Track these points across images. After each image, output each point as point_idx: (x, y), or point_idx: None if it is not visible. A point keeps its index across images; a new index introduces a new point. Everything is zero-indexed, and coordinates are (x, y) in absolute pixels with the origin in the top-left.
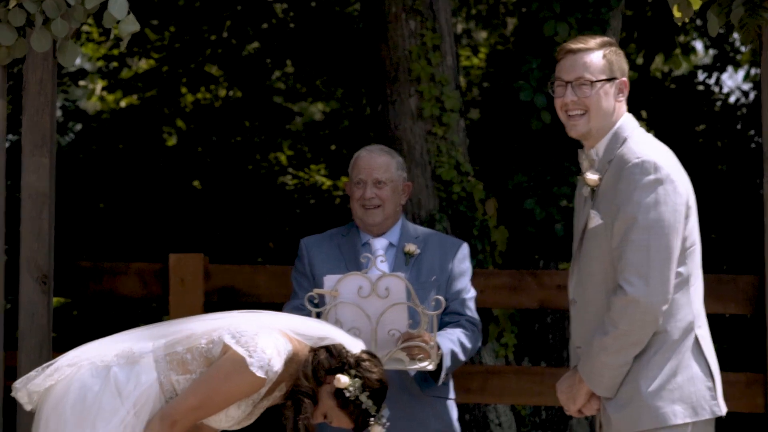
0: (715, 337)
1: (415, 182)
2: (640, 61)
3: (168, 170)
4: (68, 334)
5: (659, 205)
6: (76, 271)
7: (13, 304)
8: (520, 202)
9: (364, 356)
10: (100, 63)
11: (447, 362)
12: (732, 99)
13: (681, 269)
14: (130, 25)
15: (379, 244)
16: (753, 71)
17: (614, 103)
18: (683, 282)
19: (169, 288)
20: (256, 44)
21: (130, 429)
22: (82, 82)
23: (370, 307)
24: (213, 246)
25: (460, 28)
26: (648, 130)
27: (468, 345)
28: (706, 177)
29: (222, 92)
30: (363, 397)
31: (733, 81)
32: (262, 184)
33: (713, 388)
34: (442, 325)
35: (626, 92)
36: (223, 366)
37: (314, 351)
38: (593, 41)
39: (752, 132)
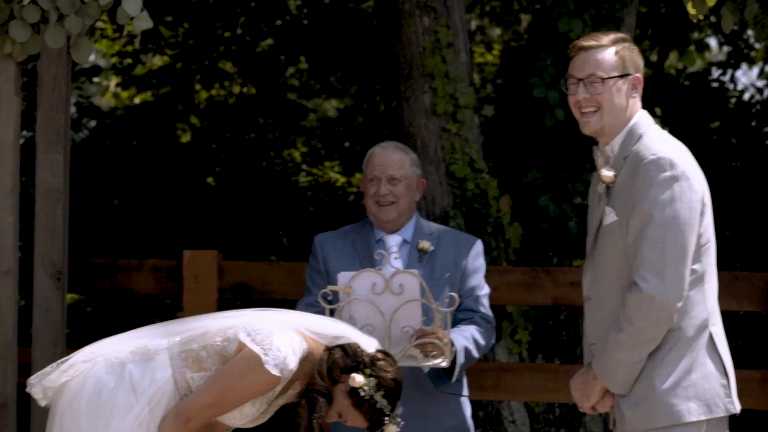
0: (729, 335)
1: (429, 179)
2: (654, 58)
3: (182, 167)
4: (82, 331)
5: (675, 202)
6: (90, 267)
7: (28, 300)
8: (534, 199)
9: (379, 355)
10: (114, 59)
11: (461, 359)
12: (746, 96)
13: (696, 266)
14: (144, 22)
15: (393, 240)
16: (767, 68)
17: (628, 99)
18: (698, 279)
19: (183, 284)
20: (269, 41)
21: (145, 426)
22: (96, 79)
23: (383, 303)
24: (227, 242)
25: (474, 24)
26: (662, 127)
27: (482, 342)
28: (720, 174)
29: (236, 89)
30: (378, 397)
31: (747, 78)
32: (276, 181)
33: (727, 386)
34: (455, 322)
35: (640, 88)
36: (239, 363)
37: (329, 350)
38: (606, 38)
39: (766, 129)
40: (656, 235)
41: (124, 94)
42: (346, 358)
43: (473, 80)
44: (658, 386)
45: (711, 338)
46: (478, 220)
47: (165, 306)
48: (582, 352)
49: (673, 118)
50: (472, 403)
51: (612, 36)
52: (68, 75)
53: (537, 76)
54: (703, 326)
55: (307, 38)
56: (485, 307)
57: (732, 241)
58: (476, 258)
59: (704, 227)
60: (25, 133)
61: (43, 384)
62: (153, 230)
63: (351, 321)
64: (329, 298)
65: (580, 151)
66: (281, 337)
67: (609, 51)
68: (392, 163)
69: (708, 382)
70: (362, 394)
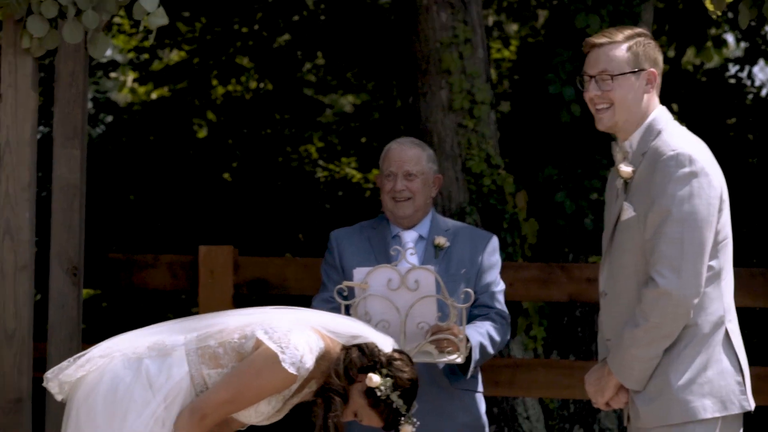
0: (744, 331)
1: (446, 175)
2: (671, 54)
3: (198, 162)
4: (97, 326)
5: (693, 197)
6: (106, 263)
7: (43, 295)
8: (551, 195)
9: (396, 355)
10: (131, 55)
11: (476, 355)
12: (763, 92)
13: (713, 263)
14: (159, 18)
15: (409, 236)
16: None
17: (642, 95)
18: (715, 276)
19: (199, 280)
20: (287, 36)
21: (161, 422)
22: (113, 74)
23: (399, 299)
24: (243, 238)
25: (491, 20)
26: (679, 124)
27: (497, 338)
28: (737, 170)
29: (253, 84)
30: (394, 397)
31: (764, 74)
32: (292, 177)
33: (743, 383)
34: (471, 318)
35: (655, 83)
36: (255, 361)
37: (346, 349)
38: (620, 34)
39: None
40: (674, 231)
41: (141, 90)
42: (363, 357)
43: (490, 76)
44: (673, 383)
45: (727, 335)
46: (494, 216)
47: (180, 301)
48: (597, 349)
49: (690, 115)
50: (487, 399)
51: (627, 31)
52: (86, 70)
53: (553, 72)
54: (719, 323)
55: (324, 34)
56: (500, 303)
57: (748, 238)
58: (492, 254)
59: (722, 224)
60: (42, 128)
61: (59, 378)
62: (169, 226)
63: (366, 317)
64: (345, 293)
65: (597, 147)
66: (298, 335)
67: (621, 47)
68: (409, 158)
69: (723, 378)
70: (379, 394)
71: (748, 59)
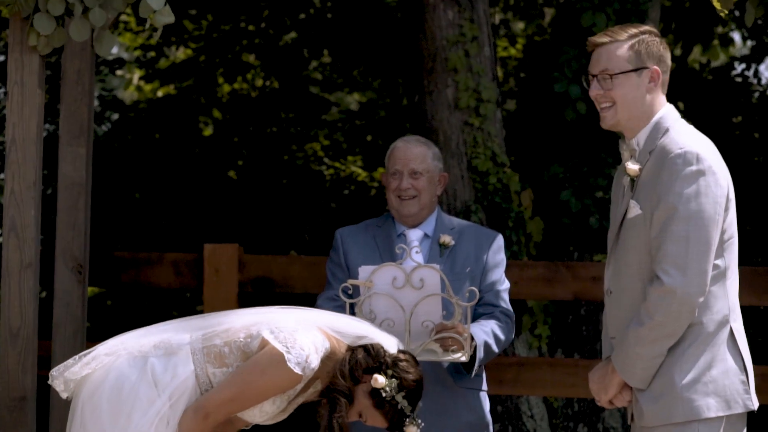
0: (749, 330)
1: (451, 173)
2: (678, 52)
3: (204, 160)
4: (102, 324)
5: (700, 196)
6: (111, 261)
7: (48, 293)
8: (556, 194)
9: (402, 356)
10: (137, 53)
11: (480, 354)
12: None
13: (718, 261)
14: (166, 17)
15: (414, 235)
16: None
17: (645, 93)
18: (720, 275)
19: (204, 278)
20: (293, 34)
21: (165, 420)
22: (119, 72)
23: (404, 298)
24: (248, 236)
25: (497, 18)
26: (686, 122)
27: (501, 337)
28: (743, 169)
29: (259, 82)
30: (399, 398)
31: None
32: (297, 175)
33: (746, 382)
34: (475, 317)
35: (659, 81)
36: (261, 360)
37: (352, 350)
38: (623, 32)
39: None
40: (680, 229)
41: (147, 88)
42: (369, 358)
43: (496, 74)
44: (677, 381)
45: (731, 334)
46: (499, 215)
47: (185, 300)
48: (601, 347)
49: (696, 113)
50: (491, 397)
51: (632, 30)
52: (92, 68)
53: (559, 70)
54: (724, 322)
55: (331, 32)
56: (505, 301)
57: (753, 236)
58: (497, 253)
59: (728, 223)
60: (47, 126)
61: (65, 376)
62: (174, 224)
63: (371, 315)
64: (350, 292)
65: (603, 146)
66: (304, 335)
67: (623, 45)
68: (414, 157)
69: (728, 377)
70: (384, 395)
71: (754, 57)
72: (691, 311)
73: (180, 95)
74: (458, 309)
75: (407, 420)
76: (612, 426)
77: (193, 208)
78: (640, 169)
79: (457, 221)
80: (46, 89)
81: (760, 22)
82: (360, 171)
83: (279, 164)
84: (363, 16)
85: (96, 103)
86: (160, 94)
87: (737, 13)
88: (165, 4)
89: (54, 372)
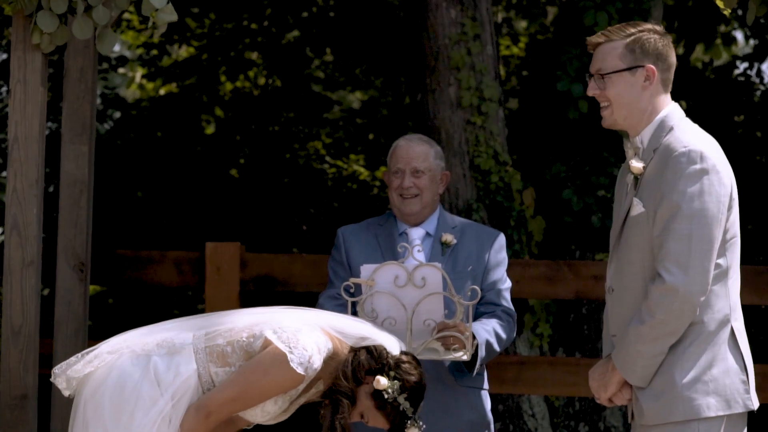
0: (751, 329)
1: (453, 172)
2: (680, 51)
3: (206, 158)
4: (104, 322)
5: (704, 195)
6: (113, 259)
7: (50, 291)
8: (558, 192)
9: (404, 358)
10: (140, 51)
11: (482, 353)
12: None
13: (720, 261)
14: (168, 15)
15: (416, 233)
16: None
17: (641, 91)
18: (722, 274)
19: (206, 276)
20: (295, 32)
21: (168, 419)
22: (121, 70)
23: (406, 296)
24: (250, 235)
25: (500, 17)
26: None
27: (503, 336)
28: (745, 168)
29: (261, 81)
30: (401, 399)
31: None
32: (299, 173)
33: (747, 382)
34: (477, 316)
35: (655, 79)
36: (263, 360)
37: (354, 351)
38: (620, 31)
39: None
40: (683, 228)
41: (150, 86)
42: (371, 360)
43: (499, 73)
44: (678, 380)
45: (732, 333)
46: (501, 213)
47: (187, 298)
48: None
49: (698, 112)
50: (492, 396)
51: (630, 29)
52: (94, 66)
53: (562, 69)
54: (725, 321)
55: (333, 30)
56: (507, 300)
57: (755, 235)
58: (499, 251)
59: (731, 222)
60: (49, 124)
61: (67, 374)
62: (176, 222)
63: (373, 314)
64: (351, 290)
65: (605, 145)
66: (307, 335)
67: (618, 45)
68: (416, 155)
69: (728, 377)
70: (386, 396)
71: (757, 56)
72: (693, 310)
73: (182, 93)
74: (460, 308)
75: (409, 421)
76: (613, 425)
77: (195, 207)
78: (644, 167)
79: (458, 220)
80: (48, 87)
81: (762, 21)
82: (362, 169)
83: (281, 162)
84: (365, 14)
85: (98, 101)
86: (162, 92)
87: (740, 12)
88: (167, 2)
89: (56, 370)
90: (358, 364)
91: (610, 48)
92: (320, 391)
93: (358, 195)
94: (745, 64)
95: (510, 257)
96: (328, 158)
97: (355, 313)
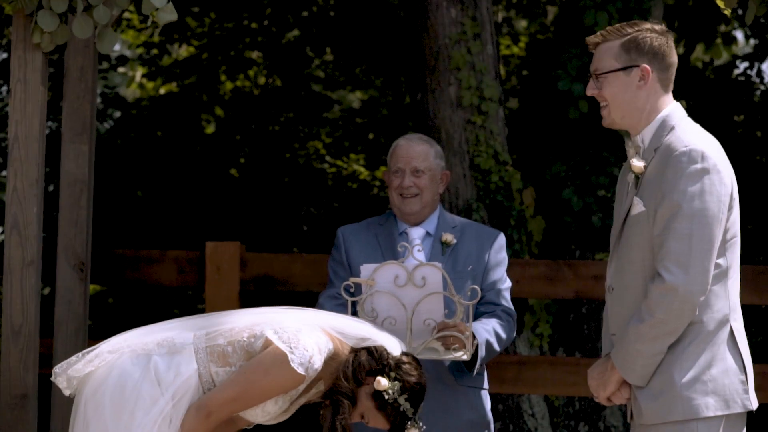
0: (751, 329)
1: (453, 171)
2: (680, 50)
3: (206, 158)
4: (104, 322)
5: (704, 194)
6: (113, 258)
7: (50, 290)
8: (558, 192)
9: (405, 359)
10: (140, 50)
11: (482, 352)
12: None
13: (720, 261)
14: (168, 14)
15: (416, 233)
16: None
17: (636, 91)
18: (722, 274)
19: (206, 276)
20: (296, 32)
21: (168, 419)
22: (121, 69)
23: (406, 296)
24: (250, 234)
25: (500, 16)
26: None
27: (503, 335)
28: (744, 168)
29: (261, 80)
30: (401, 400)
31: None
32: (299, 173)
33: (746, 382)
34: (477, 315)
35: (648, 78)
36: (264, 360)
37: (355, 352)
38: (616, 31)
39: None
40: (683, 227)
41: (150, 85)
42: (372, 360)
43: (499, 72)
44: (677, 380)
45: (732, 333)
46: (501, 213)
47: (187, 297)
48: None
49: (698, 111)
50: (492, 396)
51: (627, 28)
52: (95, 66)
53: (562, 68)
54: (724, 321)
55: (334, 30)
56: (507, 300)
57: (755, 235)
58: (499, 251)
59: (731, 222)
60: (49, 123)
61: (68, 374)
62: (176, 221)
63: (373, 313)
64: (351, 290)
65: (605, 144)
66: (308, 335)
67: (613, 44)
68: (416, 155)
69: (728, 377)
70: (386, 397)
71: (757, 56)
72: (692, 309)
73: (182, 93)
74: (460, 307)
75: (409, 422)
76: (613, 425)
77: (195, 206)
78: (645, 167)
79: (459, 219)
80: (48, 86)
81: (762, 20)
82: (362, 169)
83: (281, 162)
84: (366, 14)
85: (98, 100)
86: (162, 91)
87: (740, 12)
88: (168, 2)
89: (57, 369)
90: (359, 365)
91: (606, 48)
92: (321, 392)
93: (358, 195)
94: (745, 64)
95: (510, 257)
96: (328, 158)
97: (355, 313)
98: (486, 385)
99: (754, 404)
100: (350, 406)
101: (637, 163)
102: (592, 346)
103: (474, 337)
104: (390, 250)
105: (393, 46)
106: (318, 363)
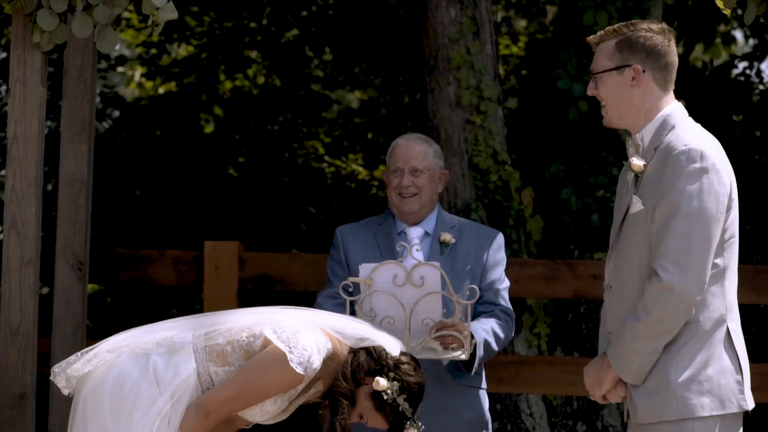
0: (751, 328)
1: (452, 171)
2: (680, 50)
3: (205, 157)
4: (102, 321)
5: (703, 194)
6: (111, 258)
7: (48, 290)
8: (557, 192)
9: (404, 359)
10: (139, 49)
11: (480, 352)
12: None
13: (718, 260)
14: (168, 13)
15: (415, 232)
16: None
17: (630, 91)
18: (719, 274)
19: (204, 275)
20: (295, 31)
21: (167, 419)
22: (120, 69)
23: (404, 295)
24: (248, 234)
25: (499, 16)
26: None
27: (501, 335)
28: (743, 167)
29: (260, 79)
30: (400, 400)
31: None
32: (298, 173)
33: (742, 382)
34: (475, 315)
35: (640, 78)
36: (263, 360)
37: (354, 352)
38: (613, 31)
39: None
40: (681, 226)
41: (149, 84)
42: (371, 361)
43: (498, 72)
44: (673, 379)
45: (728, 333)
46: (499, 213)
47: (185, 297)
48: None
49: (697, 111)
50: (490, 395)
51: (623, 28)
52: (94, 65)
53: (561, 68)
54: (721, 321)
55: (333, 29)
56: (505, 300)
57: (753, 235)
58: (497, 251)
59: (730, 222)
60: (48, 123)
61: (67, 373)
62: (174, 221)
63: (371, 313)
64: (350, 289)
65: (604, 144)
66: (307, 335)
67: (609, 44)
68: (415, 154)
69: (724, 377)
70: (385, 397)
71: (756, 56)
72: (689, 308)
73: (181, 92)
74: (458, 307)
75: (408, 422)
76: (611, 424)
77: (193, 205)
78: (645, 165)
79: (457, 219)
80: (48, 86)
81: (762, 20)
82: (361, 169)
83: (280, 162)
84: (365, 13)
85: (98, 99)
86: (161, 90)
87: (740, 12)
88: (168, 1)
89: (56, 369)
90: (358, 365)
91: (602, 48)
92: (319, 392)
93: (356, 194)
94: (745, 64)
95: (508, 257)
96: (327, 157)
97: (353, 313)
98: (484, 384)
99: (750, 404)
100: (349, 406)
101: (637, 162)
102: (590, 345)
103: (472, 336)
104: (388, 250)
105: (392, 45)
106: (317, 363)
